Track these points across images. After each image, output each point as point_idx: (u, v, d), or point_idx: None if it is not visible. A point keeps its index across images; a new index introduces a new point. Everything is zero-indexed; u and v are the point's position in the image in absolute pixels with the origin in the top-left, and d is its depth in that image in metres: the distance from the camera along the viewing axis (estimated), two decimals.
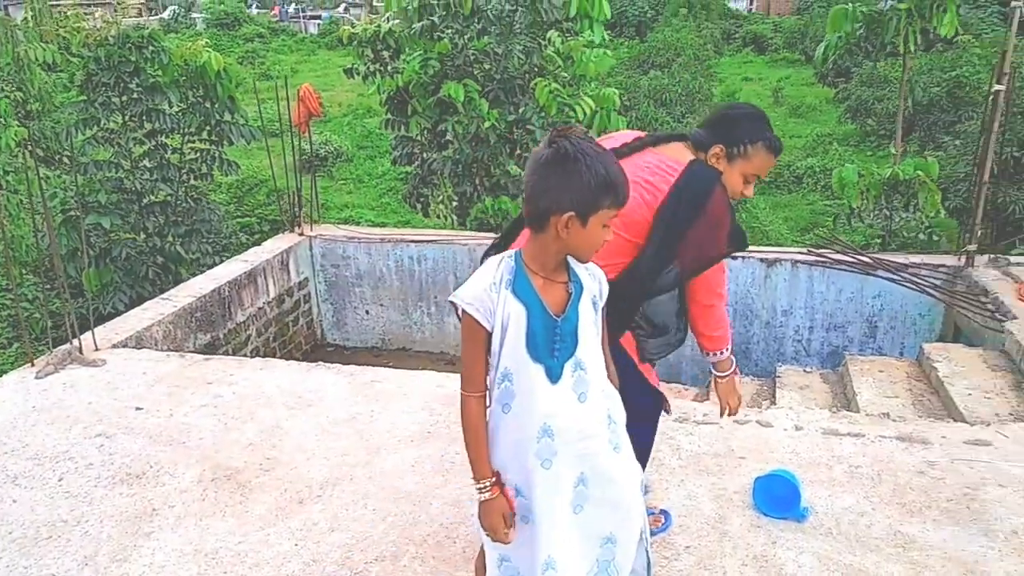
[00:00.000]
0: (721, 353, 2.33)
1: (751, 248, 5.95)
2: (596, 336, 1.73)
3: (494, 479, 1.72)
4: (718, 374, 2.39)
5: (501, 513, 1.71)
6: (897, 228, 6.71)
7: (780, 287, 5.70)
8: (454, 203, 7.64)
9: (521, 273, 1.65)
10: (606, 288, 1.75)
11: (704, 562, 2.56)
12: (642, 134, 2.24)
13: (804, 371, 5.03)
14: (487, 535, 1.75)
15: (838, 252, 5.64)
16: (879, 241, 7.19)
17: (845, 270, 5.49)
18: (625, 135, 2.25)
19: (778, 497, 2.80)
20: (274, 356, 5.94)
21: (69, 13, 11.29)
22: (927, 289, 5.20)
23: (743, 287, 5.72)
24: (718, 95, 19.95)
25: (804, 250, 5.76)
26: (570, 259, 1.70)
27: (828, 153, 17.05)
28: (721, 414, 2.44)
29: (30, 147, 5.93)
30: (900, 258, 5.60)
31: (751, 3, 41.86)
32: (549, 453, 1.68)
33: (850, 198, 6.42)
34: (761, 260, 5.64)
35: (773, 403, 4.49)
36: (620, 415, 1.81)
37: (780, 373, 4.95)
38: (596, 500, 1.74)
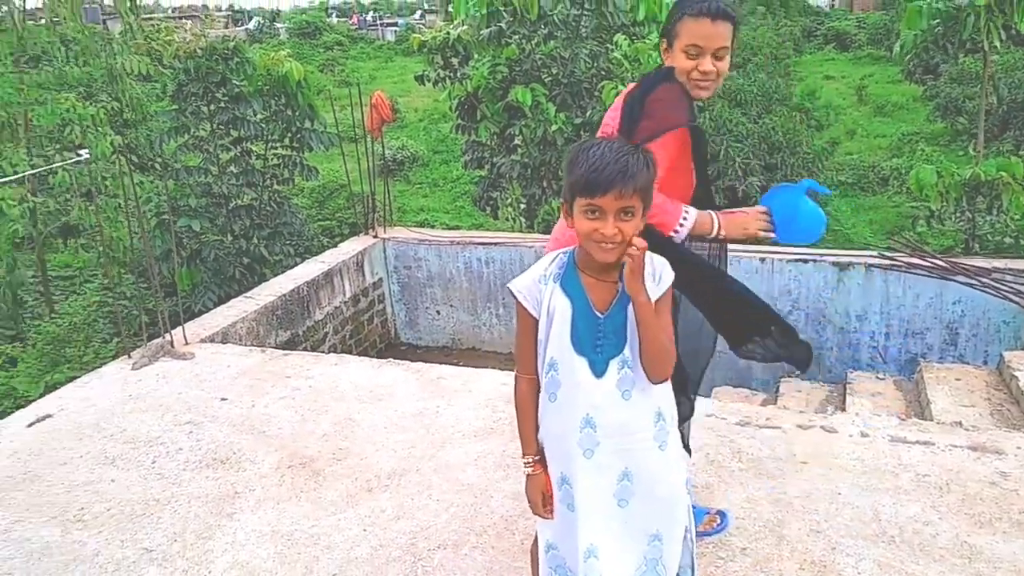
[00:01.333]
0: (679, 231, 2.14)
1: (823, 251, 5.84)
2: None
3: (537, 456, 1.85)
4: (711, 239, 2.22)
5: (540, 489, 1.83)
6: (982, 232, 6.43)
7: (854, 291, 5.57)
8: (522, 206, 7.76)
9: (572, 269, 1.74)
10: (667, 279, 1.74)
11: (760, 565, 2.58)
12: None
13: (877, 377, 4.92)
14: (532, 510, 1.86)
15: (914, 256, 5.47)
16: (963, 245, 6.91)
17: (922, 275, 5.33)
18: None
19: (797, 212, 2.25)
20: (350, 353, 6.17)
21: (161, 26, 11.96)
22: (1009, 295, 5.00)
23: (814, 291, 5.62)
24: (797, 94, 19.44)
25: (876, 254, 5.62)
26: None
27: (915, 153, 16.40)
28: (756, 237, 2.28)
29: (126, 154, 6.37)
30: (983, 262, 5.39)
31: None
32: (591, 443, 1.74)
33: (929, 200, 6.20)
34: (833, 263, 5.53)
35: (842, 409, 4.41)
36: (670, 412, 1.83)
37: (851, 379, 4.86)
38: (642, 496, 1.78)
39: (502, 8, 6.72)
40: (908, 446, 3.28)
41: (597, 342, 1.71)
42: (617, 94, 6.37)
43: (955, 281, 5.23)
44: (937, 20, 6.27)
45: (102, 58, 8.40)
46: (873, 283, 5.52)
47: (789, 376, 5.41)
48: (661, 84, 2.14)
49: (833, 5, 38.97)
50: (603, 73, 6.85)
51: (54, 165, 6.82)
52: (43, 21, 8.05)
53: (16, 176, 6.63)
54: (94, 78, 9.28)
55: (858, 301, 5.60)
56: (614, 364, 1.72)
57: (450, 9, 7.59)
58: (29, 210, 7.94)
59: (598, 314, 1.72)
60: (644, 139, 1.96)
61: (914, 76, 20.53)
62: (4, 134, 7.47)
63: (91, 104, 8.47)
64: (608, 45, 6.73)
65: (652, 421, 1.78)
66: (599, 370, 1.72)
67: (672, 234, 2.13)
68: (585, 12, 6.87)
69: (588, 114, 6.87)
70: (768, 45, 21.16)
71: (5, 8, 7.59)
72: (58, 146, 8.76)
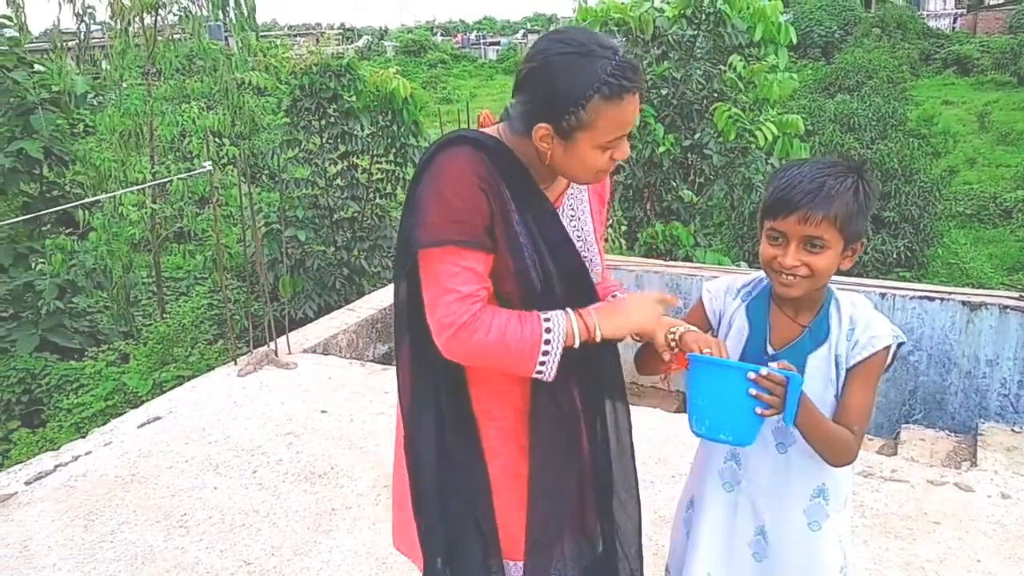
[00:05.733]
0: (542, 370, 1.43)
1: (950, 288, 5.42)
2: (826, 395, 1.49)
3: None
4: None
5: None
6: None
7: (985, 334, 5.13)
8: (623, 227, 7.59)
9: (765, 294, 1.57)
10: (872, 345, 1.47)
11: None
12: None
13: (1013, 431, 4.50)
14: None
15: None
16: None
17: None
18: None
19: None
20: None
21: (277, 43, 12.47)
22: None
23: (940, 332, 5.21)
24: (913, 119, 18.50)
25: (1016, 294, 5.17)
26: (840, 310, 1.50)
27: None
28: None
29: (238, 165, 6.59)
30: None
31: (955, 21, 38.55)
32: (733, 479, 1.58)
33: None
34: (963, 303, 5.11)
35: (974, 464, 4.04)
36: (839, 494, 1.55)
37: (983, 431, 4.46)
38: (777, 561, 1.56)
39: (615, 28, 6.62)
40: None
41: None
42: (730, 116, 6.21)
43: None
44: None
45: (222, 72, 8.77)
46: (1008, 326, 5.07)
47: (909, 422, 5.03)
48: (442, 152, 1.44)
49: (955, 28, 37.04)
50: (715, 95, 6.64)
51: (181, 176, 7.14)
52: (174, 37, 8.46)
53: (146, 184, 6.97)
54: (213, 91, 9.73)
55: (989, 345, 5.16)
56: None
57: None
58: (148, 216, 8.37)
59: (770, 350, 1.52)
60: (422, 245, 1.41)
61: None
62: (131, 143, 7.89)
63: (209, 115, 8.88)
64: (722, 66, 6.53)
65: (809, 493, 1.53)
66: None
67: (536, 375, 1.41)
68: (701, 32, 6.68)
69: (697, 136, 6.67)
70: (884, 68, 20.27)
71: (138, 26, 8.05)
72: (177, 154, 9.23)
